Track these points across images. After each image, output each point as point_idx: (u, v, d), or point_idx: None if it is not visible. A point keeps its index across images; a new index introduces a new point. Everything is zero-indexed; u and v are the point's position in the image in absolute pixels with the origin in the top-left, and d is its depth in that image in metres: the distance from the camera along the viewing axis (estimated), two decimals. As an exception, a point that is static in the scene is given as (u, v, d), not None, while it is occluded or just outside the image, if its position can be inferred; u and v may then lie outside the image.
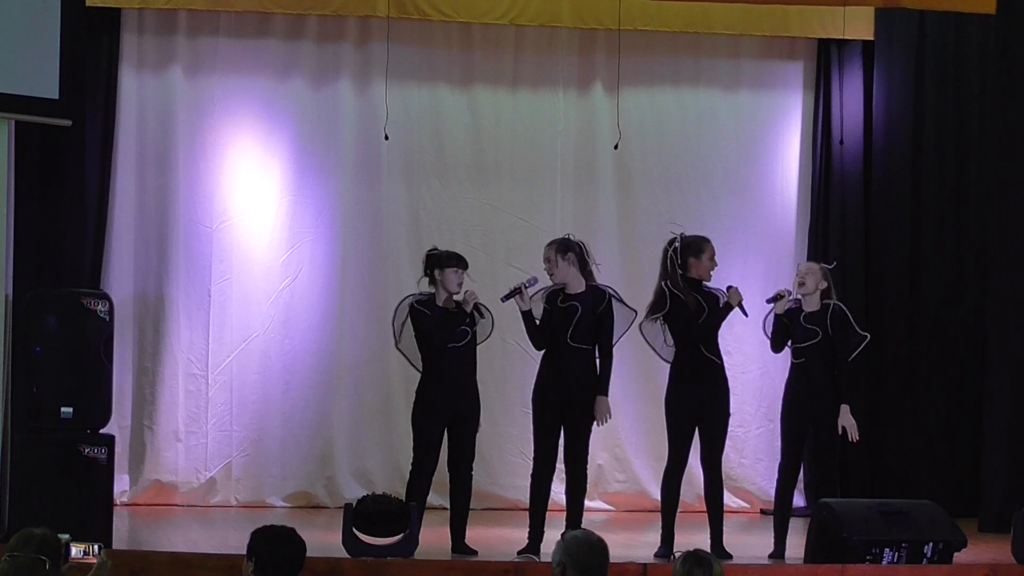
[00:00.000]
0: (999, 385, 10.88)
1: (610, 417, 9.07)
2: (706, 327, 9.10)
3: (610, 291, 9.15)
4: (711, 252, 9.17)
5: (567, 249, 9.07)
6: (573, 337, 8.99)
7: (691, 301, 9.05)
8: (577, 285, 9.07)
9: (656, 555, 8.96)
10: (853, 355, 9.24)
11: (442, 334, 8.93)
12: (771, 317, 9.42)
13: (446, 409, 8.96)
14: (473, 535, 9.14)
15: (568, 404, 9.01)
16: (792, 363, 9.27)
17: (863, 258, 11.98)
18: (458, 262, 9.05)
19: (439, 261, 9.04)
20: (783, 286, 9.59)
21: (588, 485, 9.52)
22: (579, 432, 9.06)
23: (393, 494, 8.87)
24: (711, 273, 9.20)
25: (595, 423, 9.04)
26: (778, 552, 9.17)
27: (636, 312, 9.17)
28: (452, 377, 8.97)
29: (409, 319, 9.00)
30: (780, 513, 9.28)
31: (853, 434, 9.19)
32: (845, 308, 9.29)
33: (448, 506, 9.20)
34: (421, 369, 9.06)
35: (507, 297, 9.08)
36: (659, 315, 9.10)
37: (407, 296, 9.16)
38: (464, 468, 9.05)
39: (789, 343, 9.29)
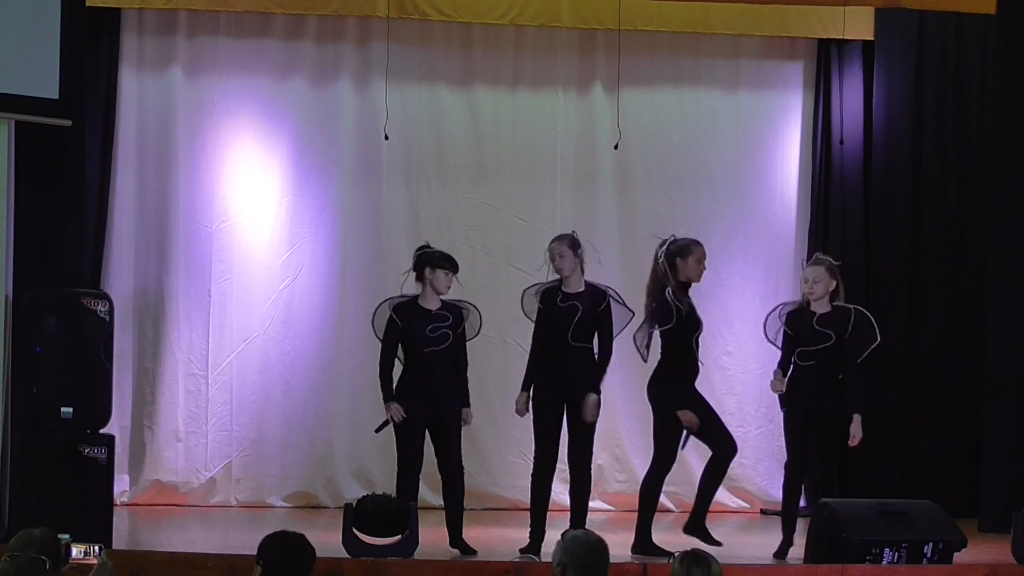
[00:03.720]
0: (999, 385, 10.87)
1: (597, 416, 9.08)
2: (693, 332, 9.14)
3: (611, 292, 9.18)
4: (699, 255, 9.14)
5: (577, 246, 9.13)
6: (574, 336, 9.01)
7: (685, 306, 9.06)
8: (577, 284, 9.11)
9: (634, 552, 8.98)
10: (861, 357, 9.22)
11: (422, 338, 8.93)
12: (772, 319, 9.41)
13: (426, 409, 8.96)
14: (473, 535, 9.14)
15: (571, 404, 9.03)
16: (798, 364, 9.23)
17: (863, 258, 11.96)
18: (451, 265, 9.05)
19: (431, 260, 9.05)
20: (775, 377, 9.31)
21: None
22: (583, 433, 9.08)
23: (393, 494, 8.87)
24: (700, 276, 9.19)
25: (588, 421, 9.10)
26: (786, 543, 9.13)
27: (633, 313, 9.19)
28: (431, 378, 8.97)
29: (389, 322, 9.03)
30: (788, 507, 9.24)
31: (853, 441, 9.17)
32: (868, 313, 9.27)
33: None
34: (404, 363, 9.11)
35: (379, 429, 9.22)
36: (668, 327, 9.06)
37: (385, 300, 9.20)
38: (456, 470, 9.05)
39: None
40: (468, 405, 9.14)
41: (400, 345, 9.08)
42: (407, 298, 9.12)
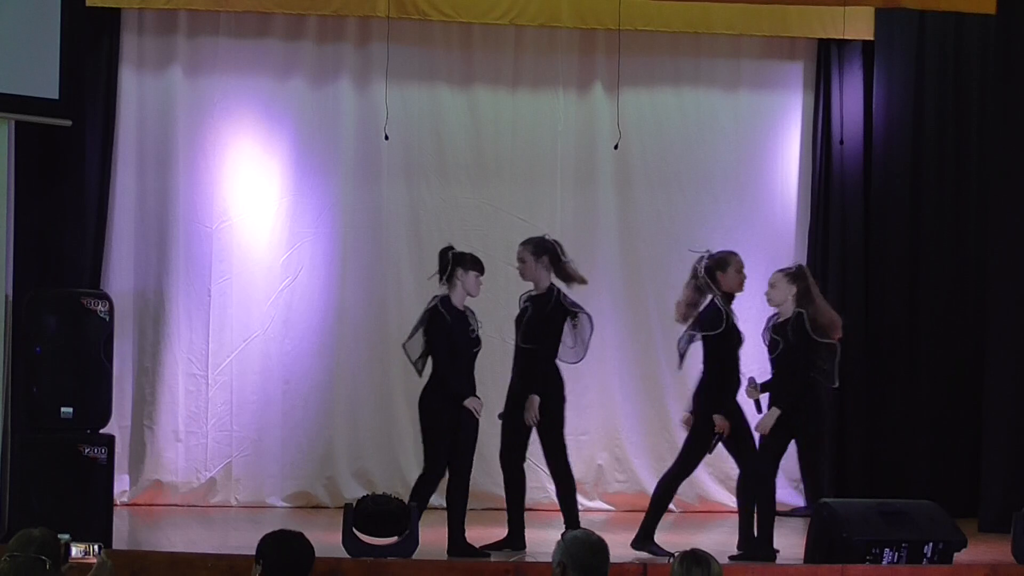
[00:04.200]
0: (999, 385, 10.87)
1: (537, 419, 9.00)
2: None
3: (557, 290, 9.09)
4: (738, 265, 9.16)
5: (542, 251, 9.10)
6: (523, 339, 9.02)
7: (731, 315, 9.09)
8: (541, 288, 9.09)
9: (633, 546, 8.97)
10: (836, 374, 9.07)
11: (467, 340, 8.91)
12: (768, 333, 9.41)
13: (455, 414, 8.92)
14: (473, 535, 9.14)
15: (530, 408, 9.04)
16: (773, 372, 9.25)
17: (863, 258, 11.97)
18: (482, 269, 9.01)
19: (463, 262, 8.99)
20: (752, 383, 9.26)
21: (588, 485, 9.54)
22: (548, 432, 9.08)
23: (393, 494, 8.87)
24: (742, 285, 9.20)
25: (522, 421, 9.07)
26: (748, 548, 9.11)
27: (584, 315, 9.09)
28: (465, 382, 8.93)
29: (428, 320, 8.93)
30: (756, 510, 9.20)
31: (760, 431, 9.06)
32: (804, 313, 9.02)
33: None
34: (419, 371, 9.04)
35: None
36: (717, 332, 9.02)
37: (436, 296, 9.04)
38: (464, 467, 9.03)
39: None
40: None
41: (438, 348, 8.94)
42: (446, 297, 9.02)
